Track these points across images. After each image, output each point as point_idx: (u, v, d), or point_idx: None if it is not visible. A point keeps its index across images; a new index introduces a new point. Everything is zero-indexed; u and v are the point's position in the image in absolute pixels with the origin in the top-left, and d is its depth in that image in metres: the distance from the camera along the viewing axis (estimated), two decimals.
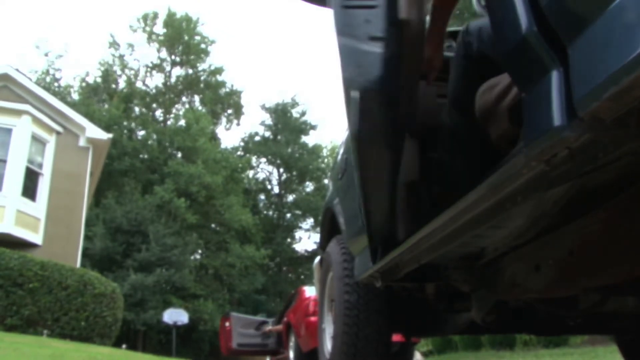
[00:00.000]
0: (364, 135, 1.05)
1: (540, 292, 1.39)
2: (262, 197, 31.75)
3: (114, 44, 28.61)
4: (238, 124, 36.32)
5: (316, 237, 28.94)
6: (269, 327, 9.46)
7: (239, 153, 30.64)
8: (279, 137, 30.69)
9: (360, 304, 2.27)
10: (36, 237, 11.31)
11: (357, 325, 2.25)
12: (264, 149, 30.58)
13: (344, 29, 1.02)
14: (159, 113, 29.38)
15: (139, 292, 20.40)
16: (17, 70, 12.75)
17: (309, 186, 31.28)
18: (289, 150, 30.39)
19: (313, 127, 31.17)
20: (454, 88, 1.47)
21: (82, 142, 12.73)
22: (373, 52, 0.98)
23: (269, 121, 31.17)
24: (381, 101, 0.98)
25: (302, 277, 29.29)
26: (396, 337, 2.64)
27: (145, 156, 26.41)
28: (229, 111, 31.31)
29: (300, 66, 50.87)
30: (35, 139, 11.65)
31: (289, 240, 30.65)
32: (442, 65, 1.67)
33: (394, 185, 1.33)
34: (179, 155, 26.78)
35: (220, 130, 31.54)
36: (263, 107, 31.78)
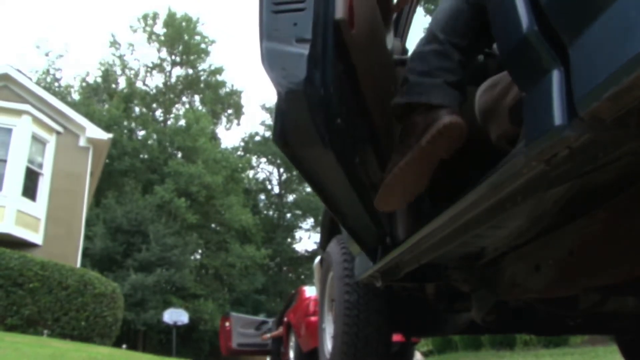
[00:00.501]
0: (290, 138, 1.03)
1: (540, 292, 1.39)
2: (262, 197, 31.76)
3: (114, 44, 28.65)
4: (238, 124, 36.34)
5: (316, 237, 28.96)
6: (267, 335, 9.45)
7: (239, 153, 30.65)
8: None
9: (361, 303, 2.27)
10: (36, 237, 11.32)
11: (357, 325, 2.25)
12: (264, 149, 30.60)
13: (272, 34, 1.01)
14: (159, 113, 29.41)
15: (139, 292, 20.40)
16: (17, 70, 12.75)
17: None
18: None
19: None
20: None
21: (82, 142, 12.73)
22: (298, 53, 0.97)
23: (269, 121, 31.18)
24: (307, 102, 0.96)
25: (302, 277, 29.30)
26: (396, 337, 2.64)
27: (146, 156, 26.41)
28: (229, 111, 31.32)
29: None
30: (35, 139, 11.65)
31: (289, 240, 30.65)
32: None
33: (357, 187, 1.29)
34: (179, 155, 26.79)
35: (220, 130, 31.58)
36: (263, 107, 31.81)
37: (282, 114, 1.00)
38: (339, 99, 1.08)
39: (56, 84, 27.75)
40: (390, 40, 1.71)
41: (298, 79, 0.95)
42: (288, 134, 1.02)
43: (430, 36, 1.39)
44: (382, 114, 1.47)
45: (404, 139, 1.30)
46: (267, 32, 1.00)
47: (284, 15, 1.01)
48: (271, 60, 0.99)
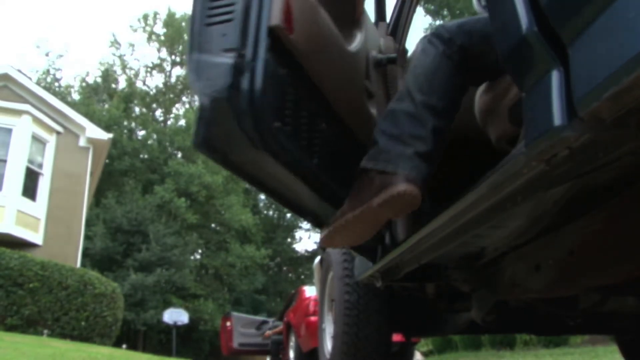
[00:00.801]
0: (217, 144, 1.08)
1: (541, 292, 1.39)
2: (263, 196, 31.76)
3: (114, 44, 28.66)
4: None
5: (316, 236, 28.94)
6: (269, 331, 9.45)
7: None
8: None
9: (361, 303, 2.27)
10: (36, 237, 11.32)
11: (357, 325, 2.25)
12: None
13: (203, 46, 1.04)
14: (159, 113, 29.41)
15: (139, 292, 20.41)
16: (17, 70, 12.76)
17: None
18: None
19: None
20: (432, 90, 1.38)
21: (82, 142, 12.74)
22: (223, 63, 1.00)
23: None
24: (232, 109, 1.00)
25: (302, 277, 29.30)
26: (396, 337, 2.64)
27: (146, 156, 26.42)
28: None
29: None
30: (35, 138, 11.66)
31: (289, 240, 30.66)
32: None
33: (318, 187, 1.33)
34: (179, 155, 26.79)
35: None
36: None
37: (208, 122, 1.04)
38: (279, 103, 1.10)
39: (56, 84, 27.76)
40: (374, 38, 1.71)
41: (222, 88, 0.98)
42: (214, 141, 1.07)
43: (405, 93, 1.36)
44: (353, 112, 1.47)
45: (359, 191, 1.31)
46: (199, 45, 1.04)
47: (215, 27, 1.04)
48: (198, 71, 1.02)
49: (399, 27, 2.06)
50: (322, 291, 2.96)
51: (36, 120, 11.66)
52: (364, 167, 1.32)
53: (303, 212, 1.47)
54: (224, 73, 1.00)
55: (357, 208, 1.28)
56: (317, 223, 1.52)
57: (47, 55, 27.89)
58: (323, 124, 1.33)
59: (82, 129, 12.76)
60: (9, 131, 11.24)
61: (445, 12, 17.37)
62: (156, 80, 29.75)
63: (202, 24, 1.06)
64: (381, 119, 1.39)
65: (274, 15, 1.05)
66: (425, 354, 11.27)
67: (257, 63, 1.02)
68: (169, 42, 28.48)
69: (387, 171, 1.26)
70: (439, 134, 1.32)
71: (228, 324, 10.69)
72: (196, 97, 1.07)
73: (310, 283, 15.74)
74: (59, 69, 28.76)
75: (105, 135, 13.21)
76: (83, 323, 9.29)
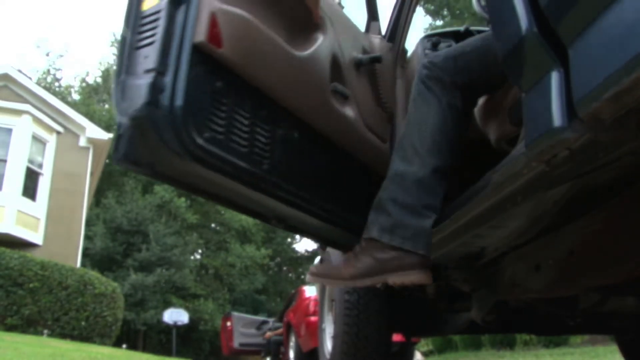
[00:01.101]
0: (139, 158, 1.13)
1: (541, 292, 1.39)
2: None
3: (114, 44, 28.64)
4: None
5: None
6: (268, 333, 9.45)
7: None
8: None
9: (361, 304, 2.27)
10: (36, 237, 11.32)
11: (358, 325, 2.25)
12: None
13: (130, 69, 1.11)
14: None
15: (139, 292, 20.40)
16: (17, 70, 12.76)
17: None
18: None
19: None
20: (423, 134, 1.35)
21: (82, 142, 12.74)
22: (142, 83, 1.07)
23: None
24: (151, 124, 1.07)
25: (302, 276, 29.28)
26: (396, 337, 2.64)
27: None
28: None
29: None
30: (35, 138, 11.66)
31: (289, 240, 30.64)
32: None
33: (270, 191, 1.36)
34: None
35: None
36: None
37: (129, 139, 1.10)
38: (211, 115, 1.16)
39: (56, 84, 27.77)
40: (353, 39, 1.70)
41: (141, 106, 1.05)
42: (137, 156, 1.13)
43: (412, 152, 1.31)
44: (318, 115, 1.49)
45: (369, 252, 1.31)
46: (126, 68, 1.12)
47: (140, 51, 1.12)
48: (123, 92, 1.10)
49: (399, 27, 2.06)
50: (322, 291, 2.96)
51: (36, 120, 11.67)
52: (377, 238, 1.30)
53: (264, 217, 1.49)
54: (143, 92, 1.06)
55: (365, 273, 1.30)
56: (285, 226, 1.55)
57: (47, 55, 27.92)
58: (279, 129, 1.35)
59: (82, 129, 12.76)
60: (9, 131, 11.25)
61: (445, 12, 17.36)
62: None
63: (132, 48, 1.14)
64: (389, 183, 1.35)
65: (199, 33, 1.12)
66: (425, 354, 11.27)
67: (178, 80, 1.09)
68: None
69: (403, 249, 1.26)
70: (445, 196, 1.32)
71: (228, 324, 10.70)
72: (118, 117, 1.13)
73: (310, 283, 15.72)
74: (59, 69, 28.75)
75: (105, 135, 13.21)
76: (83, 323, 9.29)
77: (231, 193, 1.35)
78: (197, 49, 1.12)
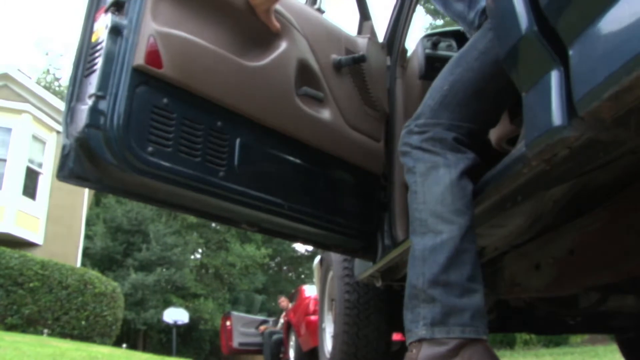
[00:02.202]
0: (84, 174, 1.24)
1: (541, 291, 1.39)
2: None
3: None
4: None
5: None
6: (261, 327, 9.47)
7: None
8: None
9: (361, 303, 2.27)
10: (36, 237, 11.32)
11: (358, 324, 2.25)
12: None
13: (79, 95, 1.23)
14: None
15: (139, 292, 20.40)
16: (17, 69, 12.75)
17: None
18: None
19: None
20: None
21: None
22: (84, 107, 1.19)
23: None
24: (91, 143, 1.18)
25: (303, 276, 29.30)
26: (396, 337, 2.64)
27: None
28: None
29: None
30: (35, 138, 11.65)
31: None
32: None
33: (229, 198, 1.41)
34: None
35: None
36: None
37: (74, 158, 1.22)
38: (156, 129, 1.26)
39: (56, 84, 27.74)
40: (329, 42, 1.72)
41: (82, 128, 1.17)
42: (83, 172, 1.23)
43: (433, 220, 1.10)
44: (288, 120, 1.53)
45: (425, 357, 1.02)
46: (77, 94, 1.24)
47: (87, 79, 1.23)
48: (72, 117, 1.21)
49: (399, 26, 2.06)
50: (322, 291, 2.96)
51: (36, 119, 11.66)
52: (430, 337, 1.03)
53: (233, 222, 1.54)
54: (83, 115, 1.19)
55: None
56: (259, 229, 1.58)
57: (47, 54, 27.91)
58: (237, 136, 1.41)
59: None
60: (8, 130, 11.24)
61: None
62: None
63: (82, 75, 1.25)
64: (418, 266, 1.09)
65: (138, 57, 1.22)
66: None
67: (118, 101, 1.20)
68: None
69: (467, 338, 1.00)
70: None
71: (228, 323, 10.70)
72: (63, 139, 1.26)
73: (310, 282, 15.73)
74: (59, 69, 28.67)
75: None
76: (83, 322, 9.30)
77: (193, 202, 1.41)
78: (137, 71, 1.23)
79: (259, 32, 1.48)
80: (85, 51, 1.28)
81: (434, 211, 1.11)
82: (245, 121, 1.43)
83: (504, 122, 1.43)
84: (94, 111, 1.18)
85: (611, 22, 0.68)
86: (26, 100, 11.90)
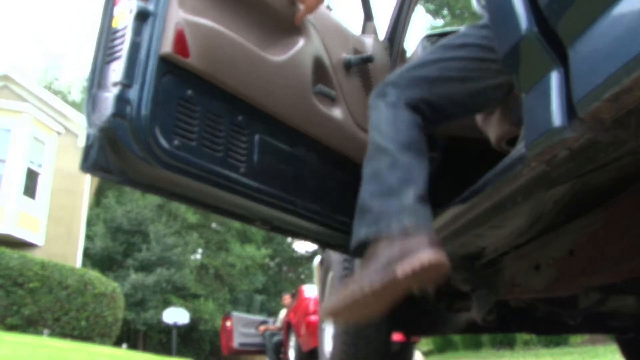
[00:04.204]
0: (108, 165, 1.20)
1: (540, 291, 1.39)
2: None
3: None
4: None
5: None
6: (261, 327, 9.47)
7: None
8: None
9: None
10: (37, 237, 11.31)
11: (358, 324, 2.25)
12: None
13: (101, 83, 1.18)
14: None
15: (139, 292, 20.39)
16: (17, 70, 12.75)
17: None
18: None
19: None
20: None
21: (82, 142, 12.71)
22: (109, 95, 1.14)
23: None
24: (118, 134, 1.13)
25: (302, 276, 29.29)
26: (396, 337, 2.64)
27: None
28: None
29: None
30: (35, 139, 11.64)
31: (289, 239, 30.65)
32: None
33: (248, 194, 1.38)
34: None
35: None
36: None
37: (98, 148, 1.17)
38: (181, 122, 1.21)
39: (56, 84, 27.75)
40: (341, 41, 1.72)
41: (108, 117, 1.11)
42: (107, 164, 1.19)
43: (375, 149, 1.23)
44: (303, 118, 1.51)
45: (370, 264, 1.09)
46: (98, 81, 1.18)
47: (110, 65, 1.18)
48: (94, 105, 1.16)
49: (398, 26, 2.06)
50: (322, 291, 2.96)
51: (36, 120, 11.65)
52: (365, 240, 1.15)
53: (248, 219, 1.52)
54: (108, 104, 1.13)
55: (376, 281, 1.06)
56: (271, 227, 1.56)
57: (46, 54, 27.92)
58: (257, 132, 1.38)
59: (82, 129, 12.76)
60: (8, 131, 11.24)
61: (445, 12, 17.34)
62: None
63: (103, 63, 1.20)
64: (363, 187, 1.24)
65: (165, 44, 1.17)
66: (425, 354, 11.27)
67: (145, 90, 1.14)
68: None
69: (392, 233, 1.09)
70: (424, 168, 1.19)
71: (228, 323, 10.69)
72: (87, 128, 1.21)
73: (310, 282, 15.72)
74: (59, 69, 28.69)
75: None
76: (83, 323, 9.29)
77: (210, 197, 1.38)
78: (163, 60, 1.18)
79: (281, 25, 1.47)
80: (106, 37, 1.22)
81: (377, 143, 1.23)
82: (265, 117, 1.40)
83: (504, 123, 1.43)
84: (120, 100, 1.13)
85: (611, 22, 0.68)
86: (26, 101, 11.89)
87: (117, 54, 1.18)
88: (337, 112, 1.63)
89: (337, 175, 1.66)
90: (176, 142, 1.19)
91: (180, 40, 1.19)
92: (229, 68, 1.30)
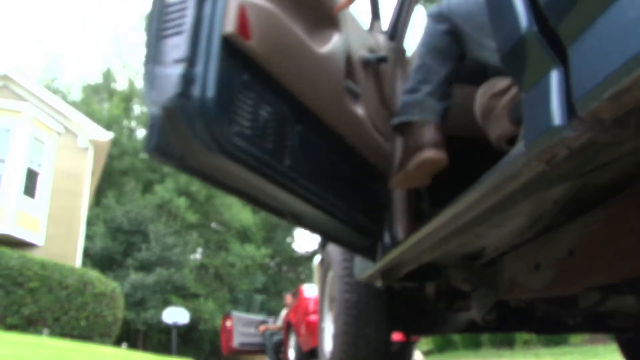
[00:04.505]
0: (170, 150, 1.15)
1: (540, 291, 1.39)
2: None
3: (114, 43, 28.65)
4: None
5: (316, 236, 28.82)
6: (261, 327, 9.47)
7: None
8: None
9: (361, 303, 2.27)
10: (37, 237, 11.31)
11: (358, 324, 2.25)
12: None
13: (158, 58, 1.10)
14: None
15: (139, 292, 20.40)
16: (17, 69, 12.75)
17: None
18: None
19: None
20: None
21: (82, 142, 12.73)
22: (173, 73, 1.06)
23: None
24: (183, 116, 1.06)
25: (302, 276, 29.29)
26: (396, 336, 2.64)
27: (146, 156, 26.39)
28: None
29: None
30: (35, 138, 11.64)
31: (289, 239, 30.65)
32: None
33: (291, 188, 1.35)
34: None
35: None
36: None
37: (160, 130, 1.10)
38: (239, 108, 1.15)
39: (56, 84, 27.75)
40: (362, 38, 1.71)
41: (172, 97, 1.04)
42: (169, 148, 1.13)
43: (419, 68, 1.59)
44: (332, 112, 1.49)
45: (404, 151, 1.55)
46: (154, 57, 1.11)
47: (169, 40, 1.10)
48: (152, 82, 1.08)
49: (398, 26, 2.06)
50: (322, 290, 2.96)
51: (36, 120, 11.65)
52: (399, 123, 1.57)
53: (281, 213, 1.49)
54: (174, 83, 1.05)
55: (400, 169, 1.55)
56: (299, 222, 1.55)
57: (46, 54, 27.93)
58: (298, 125, 1.35)
59: (83, 128, 12.76)
60: (8, 131, 11.24)
61: None
62: None
63: (158, 37, 1.12)
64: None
65: (228, 24, 1.10)
66: (425, 353, 11.27)
67: (209, 71, 1.07)
68: None
69: (401, 123, 1.55)
70: (444, 69, 1.54)
71: (228, 323, 10.70)
72: (148, 107, 1.13)
73: (310, 282, 15.71)
74: (58, 69, 28.70)
75: (105, 135, 13.20)
76: (83, 322, 9.29)
77: (252, 188, 1.34)
78: (226, 40, 1.11)
79: (323, 17, 1.45)
80: (159, 10, 1.15)
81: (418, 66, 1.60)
82: (305, 111, 1.38)
83: (504, 122, 1.43)
84: (186, 79, 1.06)
85: (611, 22, 0.68)
86: (26, 101, 11.89)
87: (176, 29, 1.11)
88: (359, 111, 1.62)
89: (355, 173, 1.66)
90: (236, 128, 1.14)
91: (242, 21, 1.13)
92: (283, 55, 1.26)
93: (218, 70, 1.08)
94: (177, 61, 1.07)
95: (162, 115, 1.09)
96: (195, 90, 1.06)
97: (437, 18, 1.58)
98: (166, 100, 1.06)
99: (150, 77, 1.10)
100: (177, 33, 1.10)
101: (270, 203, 1.43)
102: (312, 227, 1.63)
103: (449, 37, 1.55)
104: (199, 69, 1.07)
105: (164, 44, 1.12)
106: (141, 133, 27.89)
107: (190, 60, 1.07)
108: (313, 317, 5.78)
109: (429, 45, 1.56)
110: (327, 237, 1.76)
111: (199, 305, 22.45)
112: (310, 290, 6.54)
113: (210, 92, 1.07)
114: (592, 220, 1.13)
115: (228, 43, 1.11)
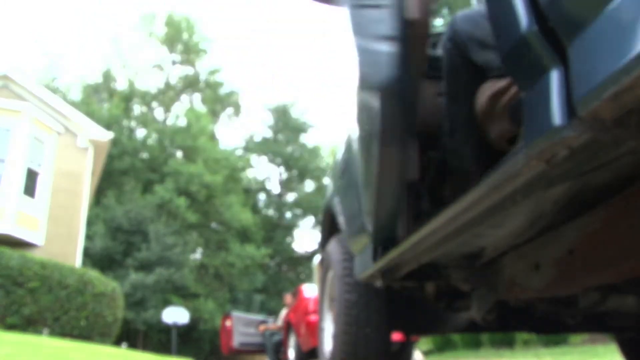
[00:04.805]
0: (385, 135, 1.05)
1: (540, 291, 1.39)
2: (262, 196, 31.74)
3: (114, 43, 28.62)
4: (237, 123, 36.27)
5: (316, 236, 28.90)
6: (261, 327, 9.48)
7: (239, 153, 30.64)
8: (279, 137, 30.76)
9: (361, 303, 2.27)
10: (37, 237, 11.31)
11: (357, 324, 2.25)
12: (264, 148, 30.66)
13: (356, 29, 1.03)
14: (159, 112, 29.37)
15: (139, 291, 20.41)
16: (17, 69, 12.74)
17: (310, 185, 31.28)
18: (289, 149, 30.45)
19: (312, 126, 31.26)
20: (451, 85, 1.50)
21: (82, 142, 12.73)
22: (385, 51, 0.98)
23: (270, 122, 31.27)
24: (397, 100, 0.99)
25: (302, 276, 29.29)
26: (396, 336, 2.64)
27: (146, 155, 26.40)
28: (229, 112, 31.35)
29: (298, 68, 50.89)
30: (35, 138, 11.64)
31: (288, 239, 30.66)
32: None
33: (402, 184, 1.34)
34: (179, 154, 26.77)
35: (221, 125, 31.59)
36: (265, 107, 31.89)
37: (382, 114, 0.99)
38: (416, 98, 1.08)
39: (56, 83, 27.73)
40: None
41: (389, 78, 0.95)
42: (383, 132, 1.03)
43: None
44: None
45: None
46: (354, 27, 1.01)
47: (367, 12, 1.01)
48: (359, 55, 0.99)
49: None
50: (322, 290, 2.96)
51: (36, 120, 11.65)
52: None
53: None
54: (389, 62, 0.97)
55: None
56: None
57: (46, 54, 27.90)
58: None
59: (82, 128, 12.76)
60: (8, 131, 11.23)
61: (445, 12, 17.37)
62: (156, 79, 29.58)
63: (353, 5, 1.03)
64: None
65: (415, 8, 1.02)
66: (425, 353, 11.28)
67: (406, 55, 0.98)
68: (169, 41, 28.46)
69: None
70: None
71: (228, 323, 10.70)
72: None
73: (310, 282, 15.71)
74: (58, 68, 28.67)
75: (105, 135, 13.20)
76: (83, 322, 9.29)
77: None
78: (412, 25, 1.04)
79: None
80: None
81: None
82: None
83: (504, 121, 1.43)
84: (398, 61, 0.96)
85: (611, 22, 0.68)
86: (26, 101, 11.88)
87: (373, 1, 1.02)
88: None
89: None
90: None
91: (425, 8, 1.07)
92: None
93: (412, 55, 1.00)
94: (384, 37, 0.99)
95: (383, 97, 0.97)
96: (400, 72, 0.96)
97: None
98: (383, 80, 0.96)
99: (359, 50, 1.01)
100: (376, 5, 1.02)
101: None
102: (377, 229, 1.61)
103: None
104: (403, 50, 0.96)
105: (364, 14, 1.03)
106: (141, 133, 27.89)
107: (398, 38, 0.96)
108: (313, 317, 5.78)
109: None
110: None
111: (198, 305, 22.46)
112: (310, 290, 6.53)
113: (408, 76, 0.98)
114: (592, 220, 1.13)
115: (414, 28, 1.02)
